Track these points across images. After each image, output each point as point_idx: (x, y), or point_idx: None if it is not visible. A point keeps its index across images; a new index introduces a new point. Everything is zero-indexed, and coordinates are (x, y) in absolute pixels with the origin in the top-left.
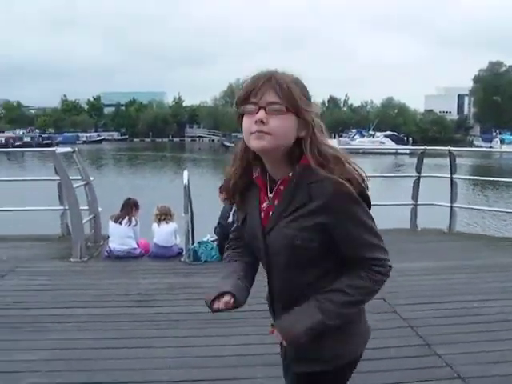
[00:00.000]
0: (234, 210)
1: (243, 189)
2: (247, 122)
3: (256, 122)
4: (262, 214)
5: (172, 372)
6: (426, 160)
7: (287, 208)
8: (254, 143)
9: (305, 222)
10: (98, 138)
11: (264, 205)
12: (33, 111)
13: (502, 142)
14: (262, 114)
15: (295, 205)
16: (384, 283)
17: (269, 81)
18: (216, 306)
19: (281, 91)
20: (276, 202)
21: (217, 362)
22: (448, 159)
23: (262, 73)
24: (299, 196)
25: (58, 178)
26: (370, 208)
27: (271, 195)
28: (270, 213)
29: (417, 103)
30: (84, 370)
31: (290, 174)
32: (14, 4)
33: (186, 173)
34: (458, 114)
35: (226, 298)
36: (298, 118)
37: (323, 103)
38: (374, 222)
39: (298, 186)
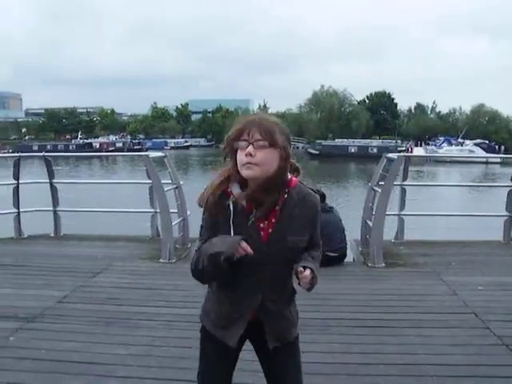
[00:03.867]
0: None
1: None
2: (240, 155)
3: (246, 155)
4: (262, 233)
5: (258, 375)
6: None
7: (288, 222)
8: (245, 172)
9: (303, 228)
10: (185, 144)
11: (263, 224)
12: (125, 118)
13: None
14: (250, 149)
15: (293, 218)
16: None
17: (256, 124)
18: (242, 251)
19: (264, 132)
20: (273, 220)
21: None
22: None
23: (251, 117)
24: (295, 211)
25: (150, 181)
26: None
27: (260, 215)
28: (270, 230)
29: (510, 109)
30: (172, 368)
31: (286, 196)
32: (110, 20)
33: None
34: None
35: (244, 243)
36: (277, 151)
37: (409, 110)
38: None
39: (292, 203)
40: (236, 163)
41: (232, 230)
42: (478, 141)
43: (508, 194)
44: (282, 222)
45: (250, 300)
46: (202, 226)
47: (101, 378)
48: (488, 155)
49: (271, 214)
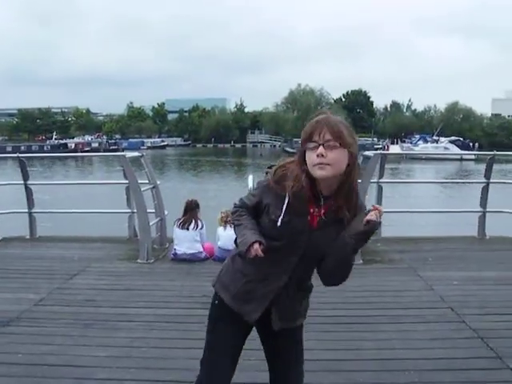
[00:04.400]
0: None
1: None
2: (311, 156)
3: (318, 155)
4: (309, 217)
5: (237, 374)
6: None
7: (334, 219)
8: (318, 173)
9: (343, 228)
10: (162, 144)
11: (313, 210)
12: (101, 118)
13: None
14: (321, 149)
15: (340, 217)
16: None
17: (324, 124)
18: (253, 252)
19: (333, 132)
20: (323, 211)
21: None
22: None
23: (319, 118)
24: (343, 211)
25: (127, 181)
26: None
27: (317, 207)
28: (318, 218)
29: (484, 107)
30: (152, 369)
31: (346, 193)
32: (84, 20)
33: (250, 177)
34: None
35: (256, 245)
36: (347, 150)
37: (385, 108)
38: None
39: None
40: (304, 163)
41: (285, 205)
42: (453, 138)
43: (482, 190)
44: (330, 218)
45: (276, 280)
46: (254, 192)
47: (80, 381)
48: (462, 152)
49: (326, 204)
